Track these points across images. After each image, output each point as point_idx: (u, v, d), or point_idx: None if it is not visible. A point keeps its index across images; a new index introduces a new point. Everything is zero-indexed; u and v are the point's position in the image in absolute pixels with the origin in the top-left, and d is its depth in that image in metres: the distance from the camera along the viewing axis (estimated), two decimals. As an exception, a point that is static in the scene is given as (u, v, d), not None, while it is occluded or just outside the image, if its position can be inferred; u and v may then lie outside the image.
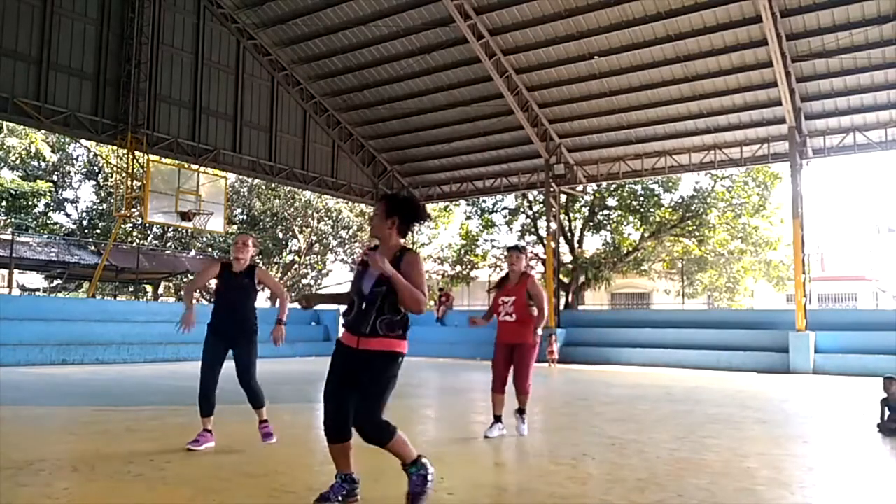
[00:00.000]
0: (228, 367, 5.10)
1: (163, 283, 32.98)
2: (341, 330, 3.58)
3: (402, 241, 3.61)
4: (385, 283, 3.42)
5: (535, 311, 5.86)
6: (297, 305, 3.92)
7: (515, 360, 5.85)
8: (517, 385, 5.89)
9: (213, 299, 5.23)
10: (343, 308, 3.63)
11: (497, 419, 5.87)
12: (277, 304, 5.35)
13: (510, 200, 28.03)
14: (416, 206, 3.60)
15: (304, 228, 33.63)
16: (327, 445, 3.48)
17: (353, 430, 3.43)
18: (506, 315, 5.92)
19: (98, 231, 30.81)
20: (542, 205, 24.75)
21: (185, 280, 33.02)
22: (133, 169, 16.98)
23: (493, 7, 16.55)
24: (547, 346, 15.95)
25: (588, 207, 26.78)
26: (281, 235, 33.70)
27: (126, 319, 16.58)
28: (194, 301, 5.42)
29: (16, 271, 24.30)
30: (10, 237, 23.08)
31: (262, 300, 33.92)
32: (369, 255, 3.40)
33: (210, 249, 32.33)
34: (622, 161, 19.55)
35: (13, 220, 28.08)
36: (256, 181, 29.60)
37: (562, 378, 13.35)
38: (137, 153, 17.00)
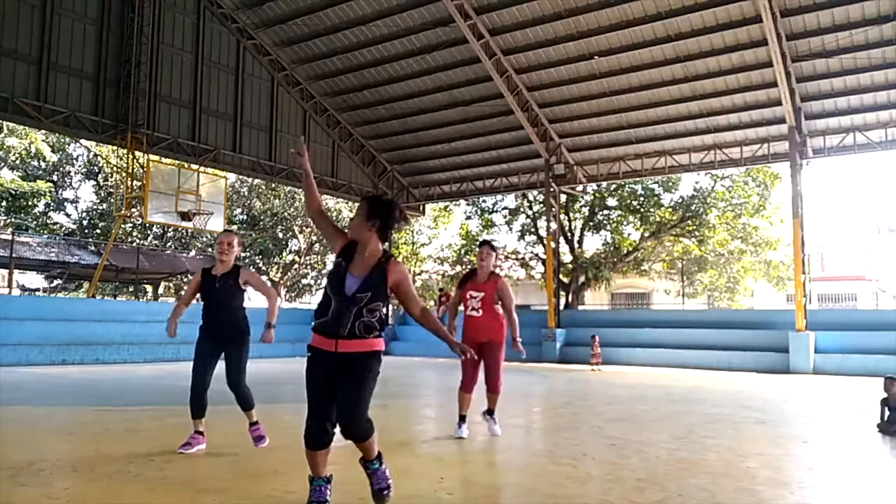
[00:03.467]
0: (222, 368, 5.08)
1: (163, 283, 32.97)
2: (312, 335, 3.43)
3: (383, 245, 3.50)
4: (370, 289, 3.33)
5: (501, 310, 5.74)
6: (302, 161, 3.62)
7: (486, 357, 5.70)
8: (489, 384, 5.74)
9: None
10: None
11: (463, 419, 5.77)
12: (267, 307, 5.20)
13: (510, 200, 28.03)
14: (398, 212, 3.48)
15: (304, 228, 33.63)
16: (308, 452, 3.41)
17: (338, 428, 3.38)
18: (472, 310, 5.75)
19: (98, 231, 30.81)
20: (542, 205, 24.76)
21: (185, 280, 33.02)
22: (133, 169, 16.98)
23: (493, 7, 16.54)
24: (591, 349, 15.68)
25: (588, 207, 26.79)
26: (281, 235, 33.70)
27: (126, 319, 16.59)
28: (182, 310, 5.21)
29: (16, 271, 24.29)
30: (10, 237, 23.07)
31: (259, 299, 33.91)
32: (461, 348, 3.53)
33: (210, 249, 32.32)
34: (622, 161, 19.55)
35: (13, 220, 28.08)
36: (256, 181, 29.60)
37: (562, 378, 13.34)
38: (137, 153, 17.00)
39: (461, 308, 5.98)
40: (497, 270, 6.02)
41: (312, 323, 3.45)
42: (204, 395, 4.96)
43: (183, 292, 5.11)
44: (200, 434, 4.97)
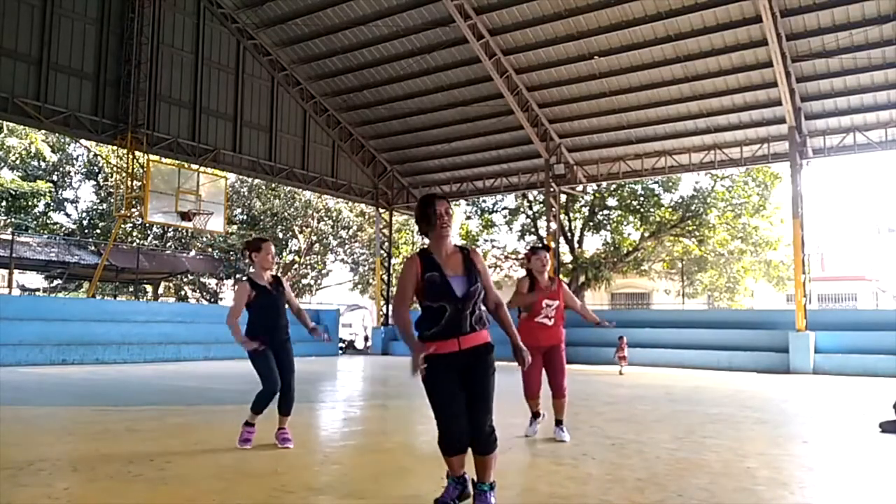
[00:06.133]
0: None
1: (163, 283, 32.97)
2: (427, 345, 3.34)
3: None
4: (477, 280, 3.40)
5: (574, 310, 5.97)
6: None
7: (551, 362, 5.70)
8: (557, 390, 5.69)
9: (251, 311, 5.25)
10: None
11: (536, 416, 5.82)
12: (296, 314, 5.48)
13: (510, 200, 28.04)
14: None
15: (304, 228, 33.63)
16: (448, 459, 3.37)
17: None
18: (545, 318, 5.68)
19: (98, 231, 30.81)
20: (542, 205, 24.76)
21: (184, 280, 33.03)
22: (133, 169, 16.99)
23: (493, 7, 16.55)
24: (617, 349, 14.97)
25: (588, 207, 26.79)
26: (281, 235, 33.69)
27: (126, 319, 16.60)
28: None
29: (16, 271, 24.29)
30: (10, 237, 23.06)
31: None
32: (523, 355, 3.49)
33: (210, 249, 32.32)
34: (622, 161, 19.55)
35: (13, 220, 28.08)
36: (256, 181, 29.60)
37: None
38: (137, 153, 17.01)
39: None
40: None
41: (420, 334, 3.40)
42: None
43: (234, 308, 5.17)
44: (253, 426, 5.16)
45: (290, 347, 5.30)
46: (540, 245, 6.04)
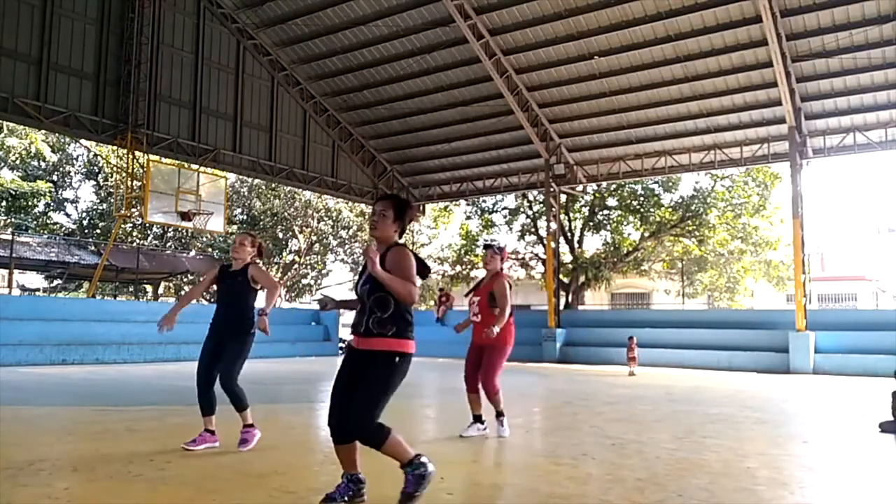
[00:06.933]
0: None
1: (163, 283, 32.96)
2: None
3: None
4: (370, 280, 3.38)
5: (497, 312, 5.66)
6: (316, 306, 3.91)
7: (482, 360, 5.72)
8: (482, 385, 5.70)
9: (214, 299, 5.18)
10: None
11: (476, 419, 5.79)
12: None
13: (510, 200, 28.02)
14: (414, 211, 3.65)
15: (304, 228, 33.62)
16: (333, 446, 3.49)
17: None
18: (474, 315, 5.85)
19: (98, 231, 30.81)
20: (542, 205, 24.75)
21: (184, 280, 33.03)
22: (133, 169, 16.98)
23: (493, 7, 16.55)
24: (627, 351, 14.58)
25: (588, 207, 26.77)
26: (281, 235, 33.69)
27: (126, 319, 16.58)
28: (190, 303, 5.40)
29: (16, 271, 24.28)
30: (10, 237, 23.06)
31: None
32: (366, 252, 3.30)
33: (210, 249, 32.32)
34: (622, 161, 19.55)
35: (13, 220, 28.08)
36: (256, 181, 29.60)
37: (562, 378, 13.34)
38: (137, 153, 17.00)
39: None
40: (505, 268, 6.00)
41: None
42: (207, 391, 4.95)
43: (196, 285, 4.98)
44: (209, 433, 4.96)
45: (234, 346, 4.94)
46: (492, 242, 6.04)
